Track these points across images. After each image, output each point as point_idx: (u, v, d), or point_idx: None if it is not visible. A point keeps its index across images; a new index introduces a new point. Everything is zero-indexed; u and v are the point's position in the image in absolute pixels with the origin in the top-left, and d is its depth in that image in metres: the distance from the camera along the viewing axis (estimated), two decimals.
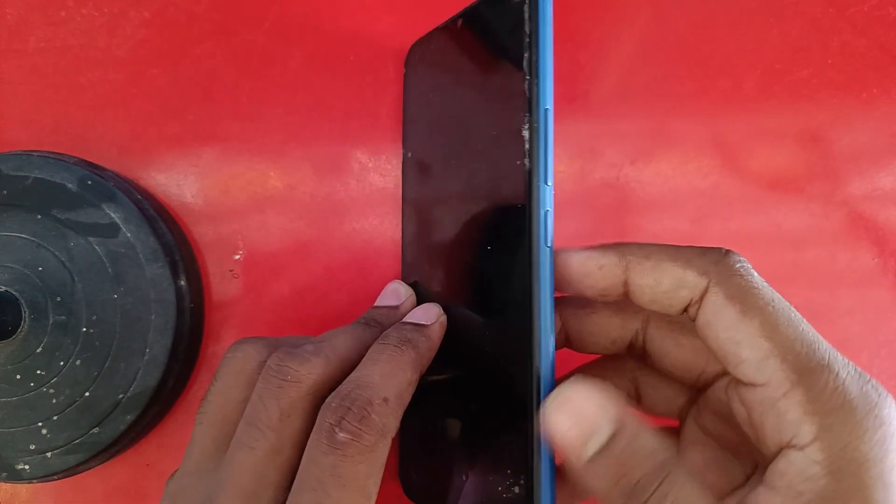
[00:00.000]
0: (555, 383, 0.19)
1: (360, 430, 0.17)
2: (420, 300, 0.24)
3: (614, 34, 0.28)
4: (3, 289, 0.24)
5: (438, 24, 0.25)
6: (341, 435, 0.17)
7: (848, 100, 0.28)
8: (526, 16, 0.20)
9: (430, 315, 0.22)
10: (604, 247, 0.20)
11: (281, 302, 0.27)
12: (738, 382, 0.18)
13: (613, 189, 0.27)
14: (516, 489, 0.19)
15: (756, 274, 0.18)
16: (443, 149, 0.24)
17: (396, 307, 0.24)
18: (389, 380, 0.19)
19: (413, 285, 0.25)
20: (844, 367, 0.17)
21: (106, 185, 0.24)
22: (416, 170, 0.26)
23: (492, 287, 0.21)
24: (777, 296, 0.18)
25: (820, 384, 0.16)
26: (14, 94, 0.27)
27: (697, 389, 0.21)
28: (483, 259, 0.21)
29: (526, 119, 0.19)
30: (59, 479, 0.25)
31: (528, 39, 0.19)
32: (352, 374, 0.19)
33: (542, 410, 0.18)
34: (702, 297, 0.18)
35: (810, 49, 0.28)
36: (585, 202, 0.27)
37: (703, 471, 0.21)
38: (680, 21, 0.28)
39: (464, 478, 0.21)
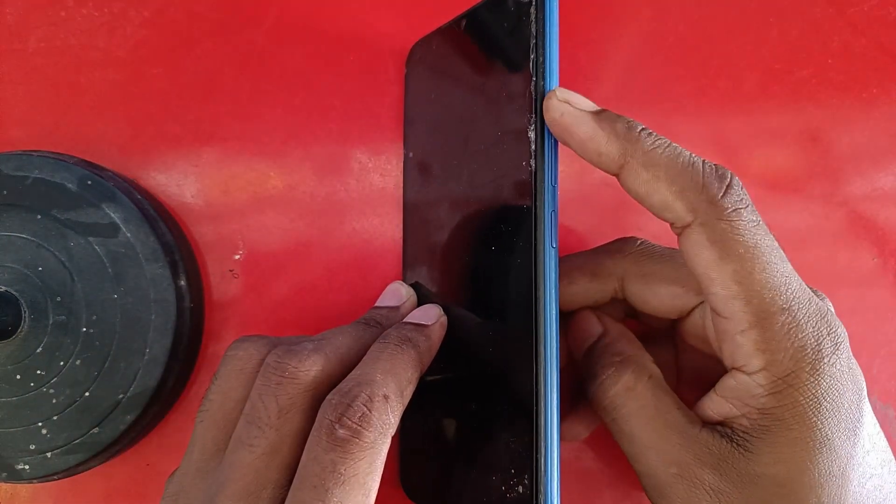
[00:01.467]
0: (559, 384, 0.19)
1: (361, 427, 0.18)
2: (421, 301, 0.24)
3: (614, 34, 0.28)
4: (3, 289, 0.24)
5: (439, 24, 0.25)
6: (341, 432, 0.17)
7: (848, 100, 0.28)
8: (532, 17, 0.19)
9: (431, 315, 0.22)
10: (613, 129, 0.19)
11: (281, 302, 0.27)
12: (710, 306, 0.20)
13: (613, 189, 0.27)
14: (520, 488, 0.19)
15: (747, 213, 0.18)
16: (445, 149, 0.24)
17: (397, 308, 0.24)
18: (390, 378, 0.19)
19: (414, 286, 0.25)
20: (805, 311, 0.18)
21: (106, 185, 0.24)
22: (417, 170, 0.26)
23: (496, 287, 0.21)
24: (762, 238, 0.18)
25: (776, 326, 0.18)
26: (14, 94, 0.27)
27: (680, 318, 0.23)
28: (487, 259, 0.21)
29: (532, 120, 0.19)
30: (59, 479, 0.25)
31: (534, 40, 0.19)
32: (352, 372, 0.19)
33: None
34: (684, 227, 0.19)
35: (810, 49, 0.28)
36: (585, 202, 0.27)
37: (689, 370, 0.24)
38: (680, 21, 0.28)
39: (466, 478, 0.21)
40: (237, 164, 0.27)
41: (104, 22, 0.27)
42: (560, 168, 0.27)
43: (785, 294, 0.18)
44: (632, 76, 0.28)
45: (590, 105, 0.19)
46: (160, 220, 0.25)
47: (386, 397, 0.18)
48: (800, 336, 0.18)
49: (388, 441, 0.18)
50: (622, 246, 0.23)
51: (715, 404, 0.20)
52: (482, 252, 0.22)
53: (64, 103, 0.27)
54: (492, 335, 0.21)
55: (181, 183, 0.27)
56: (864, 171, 0.28)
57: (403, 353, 0.20)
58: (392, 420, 0.18)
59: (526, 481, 0.19)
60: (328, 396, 0.18)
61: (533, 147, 0.19)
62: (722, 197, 0.18)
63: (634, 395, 0.20)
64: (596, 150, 0.19)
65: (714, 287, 0.18)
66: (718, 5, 0.28)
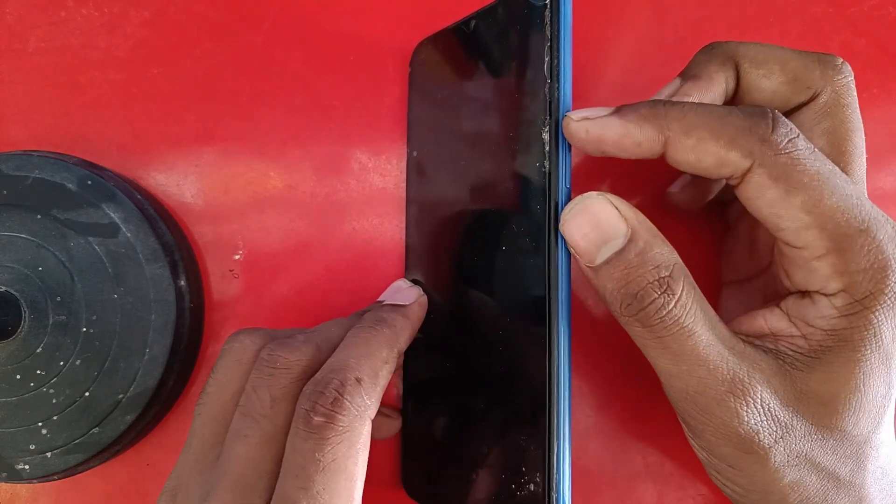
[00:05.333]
0: (571, 381, 0.19)
1: (334, 412, 0.18)
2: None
3: (614, 34, 0.28)
4: (3, 289, 0.24)
5: (440, 24, 0.25)
6: (316, 419, 0.18)
7: None
8: (547, 19, 0.20)
9: (409, 296, 0.23)
10: (639, 115, 0.19)
11: (281, 302, 0.27)
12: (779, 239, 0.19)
13: (614, 189, 0.27)
14: (532, 486, 0.19)
15: (801, 142, 0.18)
16: (452, 149, 0.24)
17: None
18: (363, 361, 0.19)
19: (416, 283, 0.25)
20: (883, 228, 0.18)
21: (106, 185, 0.24)
22: (422, 169, 0.26)
23: (506, 288, 0.21)
24: (822, 164, 0.18)
25: (855, 248, 0.17)
26: (14, 94, 0.27)
27: None
28: (496, 259, 0.21)
29: (547, 122, 0.20)
30: (59, 479, 0.25)
31: (549, 43, 0.20)
32: (328, 360, 0.20)
33: (560, 217, 0.19)
34: (744, 175, 0.18)
35: (810, 49, 0.28)
36: None
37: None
38: (680, 21, 0.28)
39: (474, 476, 0.21)
40: (237, 164, 0.27)
41: (104, 22, 0.27)
42: None
43: (860, 216, 0.17)
44: (632, 76, 0.28)
45: (605, 109, 0.19)
46: (160, 220, 0.25)
47: (359, 380, 0.19)
48: (879, 258, 0.17)
49: (366, 423, 0.18)
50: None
51: (772, 321, 0.19)
52: (492, 252, 0.22)
53: (64, 103, 0.27)
54: (502, 334, 0.21)
55: (181, 183, 0.27)
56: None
57: (377, 335, 0.20)
58: (367, 402, 0.19)
59: (538, 479, 0.19)
60: (305, 386, 0.19)
61: (547, 149, 0.20)
62: (773, 132, 0.18)
63: (690, 313, 0.18)
64: (634, 142, 0.19)
65: (783, 223, 0.18)
66: (718, 5, 0.28)
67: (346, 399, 0.18)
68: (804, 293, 0.19)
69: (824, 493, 0.18)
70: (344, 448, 0.18)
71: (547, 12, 0.20)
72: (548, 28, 0.20)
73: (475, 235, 0.23)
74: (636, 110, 0.19)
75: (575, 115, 0.19)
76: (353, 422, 0.18)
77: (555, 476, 0.19)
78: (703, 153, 0.18)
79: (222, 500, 0.18)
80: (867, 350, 0.17)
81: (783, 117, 0.18)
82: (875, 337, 0.17)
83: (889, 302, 0.17)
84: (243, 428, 0.19)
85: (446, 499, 0.23)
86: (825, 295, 0.18)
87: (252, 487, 0.18)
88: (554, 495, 0.19)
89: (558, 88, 0.19)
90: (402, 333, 0.21)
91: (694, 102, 0.19)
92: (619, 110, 0.19)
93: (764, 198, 0.18)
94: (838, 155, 0.20)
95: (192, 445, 0.20)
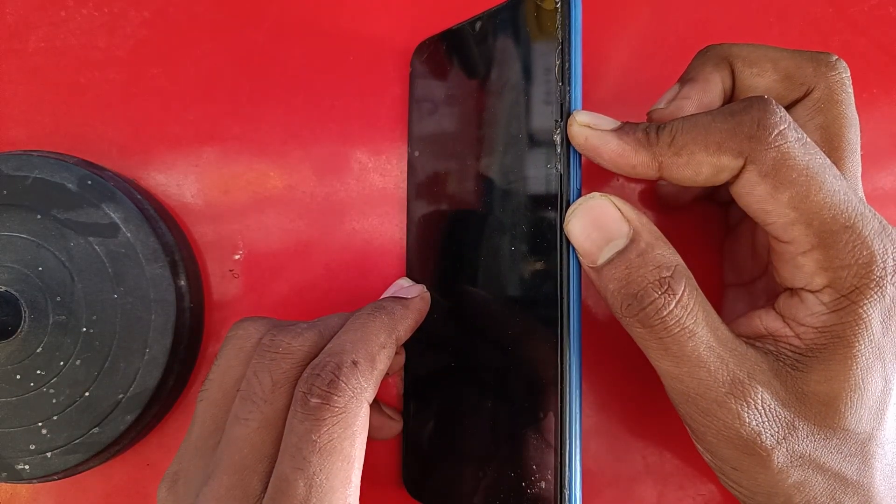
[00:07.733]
0: (581, 380, 0.20)
1: (330, 393, 0.18)
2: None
3: (614, 34, 0.28)
4: (3, 289, 0.24)
5: (440, 23, 0.25)
6: (313, 400, 0.18)
7: None
8: (558, 22, 0.20)
9: (412, 291, 0.23)
10: (636, 140, 0.19)
11: (281, 302, 0.27)
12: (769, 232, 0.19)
13: (613, 189, 0.27)
14: (543, 484, 0.19)
15: (791, 133, 0.18)
16: (454, 149, 0.24)
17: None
18: (360, 345, 0.19)
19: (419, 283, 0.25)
20: (870, 224, 0.18)
21: (106, 185, 0.24)
22: (423, 169, 0.26)
23: (515, 287, 0.21)
24: (812, 158, 0.18)
25: (840, 244, 0.18)
26: (14, 94, 0.27)
27: None
28: (504, 259, 0.21)
29: (559, 125, 0.20)
30: (59, 479, 0.25)
31: (560, 46, 0.20)
32: (326, 346, 0.20)
33: (565, 217, 0.20)
34: (738, 174, 0.18)
35: (810, 49, 0.28)
36: None
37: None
38: (680, 21, 0.28)
39: (479, 475, 0.22)
40: (237, 164, 0.27)
41: (104, 22, 0.27)
42: None
43: (846, 211, 0.18)
44: (632, 76, 0.28)
45: (610, 123, 0.19)
46: (160, 220, 0.25)
47: (355, 363, 0.19)
48: (864, 253, 0.17)
49: (363, 406, 0.19)
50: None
51: (767, 321, 0.20)
52: (498, 253, 0.22)
53: (64, 103, 0.27)
54: (511, 333, 0.21)
55: (181, 183, 0.27)
56: (864, 171, 0.28)
57: (375, 320, 0.20)
58: (363, 384, 0.19)
59: (549, 477, 0.19)
60: (304, 371, 0.19)
61: (559, 151, 0.20)
62: (759, 127, 0.18)
63: (691, 314, 0.18)
64: (629, 163, 0.19)
65: (770, 217, 0.18)
66: (718, 5, 0.28)
67: (342, 381, 0.18)
68: (793, 291, 0.19)
69: (831, 494, 0.18)
70: (340, 429, 0.18)
71: (558, 15, 0.20)
72: (559, 31, 0.20)
73: (479, 236, 0.23)
74: (634, 134, 0.19)
75: (580, 116, 0.19)
76: (349, 403, 0.18)
77: (566, 474, 0.19)
78: (697, 166, 0.18)
79: (222, 483, 0.18)
80: (860, 345, 0.17)
81: (774, 105, 0.18)
82: (866, 331, 0.17)
83: (875, 296, 0.17)
84: (244, 412, 0.19)
85: (449, 497, 0.23)
86: (811, 291, 0.18)
87: (251, 470, 0.18)
88: (566, 493, 0.19)
89: (569, 91, 0.20)
90: (402, 321, 0.21)
91: (682, 119, 0.19)
92: (620, 128, 0.19)
93: (753, 193, 0.18)
94: (831, 150, 0.20)
95: (193, 431, 0.20)
